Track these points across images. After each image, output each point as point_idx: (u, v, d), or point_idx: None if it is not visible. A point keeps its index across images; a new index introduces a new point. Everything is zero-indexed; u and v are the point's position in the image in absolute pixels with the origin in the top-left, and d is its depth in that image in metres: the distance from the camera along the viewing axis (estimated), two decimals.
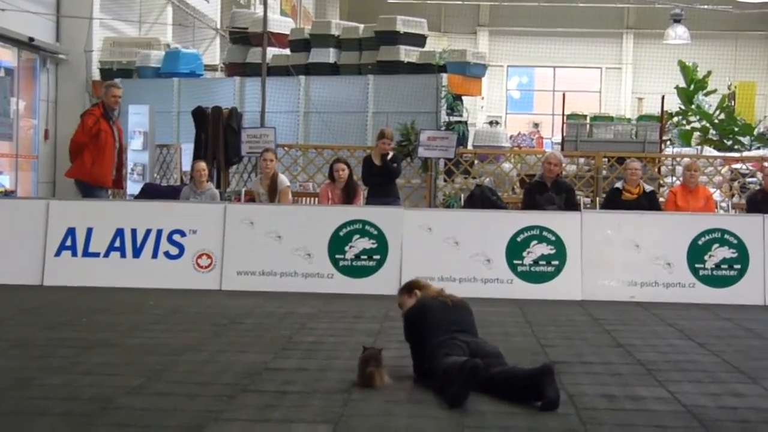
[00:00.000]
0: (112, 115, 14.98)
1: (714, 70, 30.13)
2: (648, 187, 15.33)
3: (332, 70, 21.88)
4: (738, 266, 13.52)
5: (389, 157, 15.78)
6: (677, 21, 32.74)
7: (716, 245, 13.56)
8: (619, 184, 15.35)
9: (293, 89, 21.50)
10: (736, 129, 26.79)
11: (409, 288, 8.35)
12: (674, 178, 18.89)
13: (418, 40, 21.86)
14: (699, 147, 25.34)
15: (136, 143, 20.31)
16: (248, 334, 9.99)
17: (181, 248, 13.76)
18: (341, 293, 13.27)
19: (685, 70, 28.99)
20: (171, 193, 16.23)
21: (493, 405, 6.98)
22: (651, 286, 13.51)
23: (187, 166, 19.43)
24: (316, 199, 16.92)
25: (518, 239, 13.62)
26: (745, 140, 26.64)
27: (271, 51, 21.68)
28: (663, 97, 21.22)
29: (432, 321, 7.76)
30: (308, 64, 21.92)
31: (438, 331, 7.64)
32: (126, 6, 26.02)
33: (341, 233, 13.72)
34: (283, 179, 15.69)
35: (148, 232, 13.80)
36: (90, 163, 14.75)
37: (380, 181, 15.68)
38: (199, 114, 18.41)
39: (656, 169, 19.19)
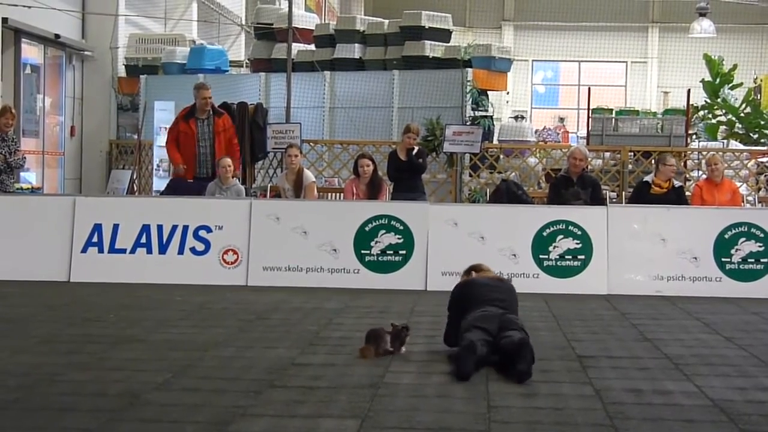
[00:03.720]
0: (200, 115, 15.57)
1: (740, 64, 29.88)
2: (677, 183, 15.23)
3: (357, 65, 21.90)
4: (765, 260, 13.43)
5: (415, 152, 15.77)
6: (703, 15, 32.54)
7: (743, 239, 13.49)
8: (648, 178, 15.26)
9: (318, 85, 21.51)
10: (762, 122, 26.61)
11: (469, 270, 9.43)
12: (700, 173, 18.80)
13: (443, 35, 21.84)
14: (725, 141, 25.23)
15: (162, 139, 20.33)
16: (275, 330, 10.01)
17: (207, 244, 13.78)
18: (367, 288, 13.27)
19: (711, 63, 28.81)
20: (197, 189, 16.25)
21: (520, 400, 7.00)
22: (677, 280, 13.46)
23: None
24: (342, 194, 16.92)
25: (544, 234, 13.60)
26: None
27: (296, 47, 21.70)
28: (689, 91, 21.09)
29: (474, 294, 8.75)
30: (333, 60, 21.93)
31: (478, 303, 8.56)
32: (151, 2, 26.06)
33: (367, 228, 13.72)
34: (309, 175, 15.70)
35: (174, 228, 13.83)
36: (177, 162, 15.67)
37: (406, 176, 15.68)
38: (224, 110, 18.40)
39: (682, 164, 19.10)
